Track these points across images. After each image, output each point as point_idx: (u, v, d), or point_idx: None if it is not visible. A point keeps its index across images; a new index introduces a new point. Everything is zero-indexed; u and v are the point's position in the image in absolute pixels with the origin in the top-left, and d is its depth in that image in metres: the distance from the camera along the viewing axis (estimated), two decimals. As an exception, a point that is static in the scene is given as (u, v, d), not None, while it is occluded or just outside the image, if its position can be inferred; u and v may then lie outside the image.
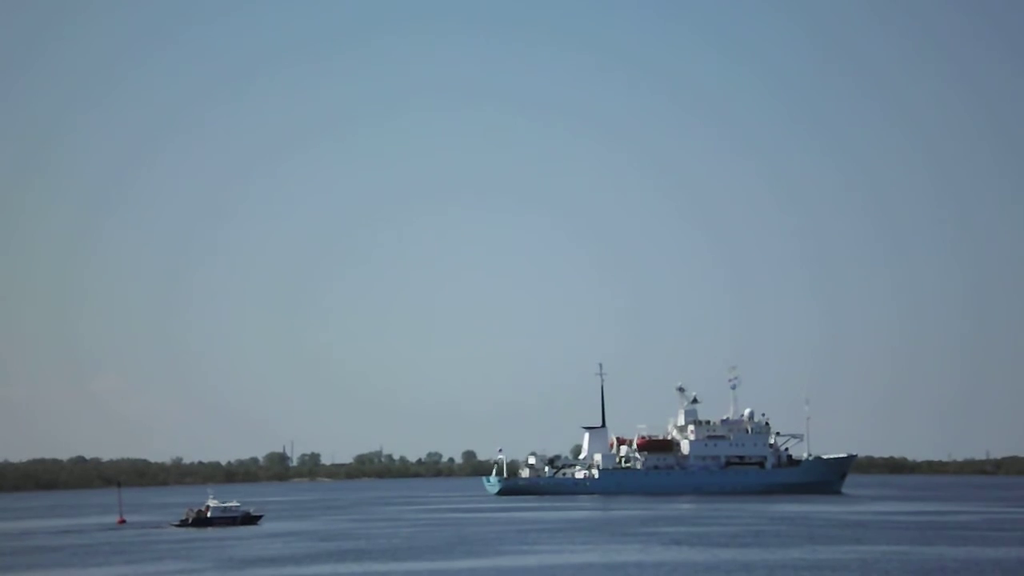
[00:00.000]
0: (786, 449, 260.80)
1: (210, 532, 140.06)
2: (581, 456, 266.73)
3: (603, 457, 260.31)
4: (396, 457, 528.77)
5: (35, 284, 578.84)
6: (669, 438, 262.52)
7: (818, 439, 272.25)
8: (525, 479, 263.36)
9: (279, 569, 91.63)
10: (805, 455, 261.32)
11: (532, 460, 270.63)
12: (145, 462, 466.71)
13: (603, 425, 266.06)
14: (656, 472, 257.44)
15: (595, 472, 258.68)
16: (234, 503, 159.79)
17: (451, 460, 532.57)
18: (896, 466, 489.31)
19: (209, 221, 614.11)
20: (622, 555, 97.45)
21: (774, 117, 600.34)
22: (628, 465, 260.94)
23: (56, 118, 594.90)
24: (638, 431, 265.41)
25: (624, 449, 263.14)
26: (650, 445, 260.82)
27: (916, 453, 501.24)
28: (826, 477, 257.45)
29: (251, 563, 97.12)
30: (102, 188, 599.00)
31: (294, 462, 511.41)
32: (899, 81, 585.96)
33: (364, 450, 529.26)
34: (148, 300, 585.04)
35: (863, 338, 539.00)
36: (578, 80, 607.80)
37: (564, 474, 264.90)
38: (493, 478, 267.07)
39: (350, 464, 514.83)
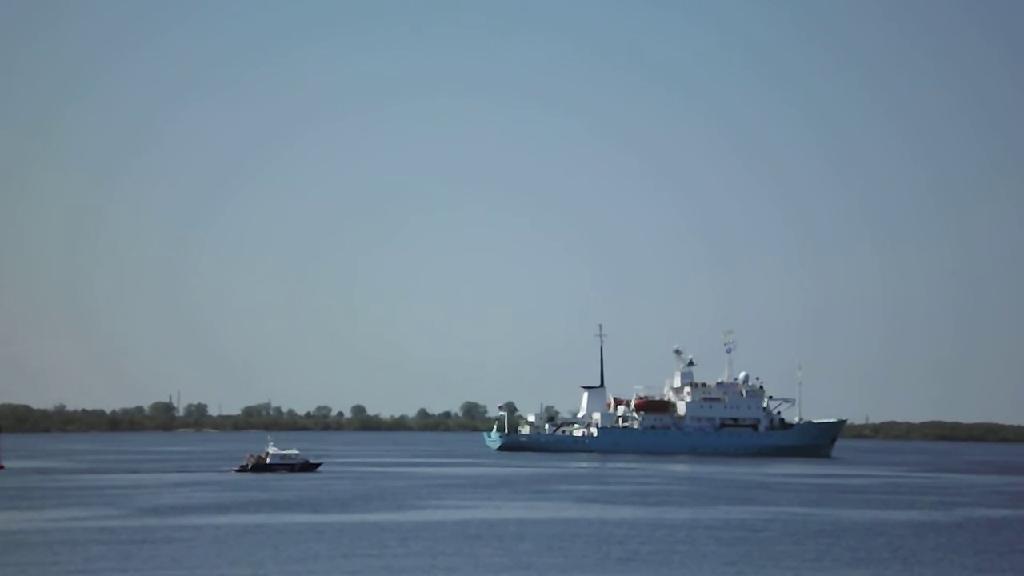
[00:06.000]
0: (778, 413, 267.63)
1: (268, 477, 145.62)
2: (579, 415, 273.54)
3: (602, 416, 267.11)
4: (284, 410, 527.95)
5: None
6: (666, 399, 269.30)
7: (807, 404, 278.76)
8: (526, 435, 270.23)
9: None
10: (797, 419, 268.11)
11: (532, 417, 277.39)
12: (27, 408, 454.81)
13: (602, 385, 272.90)
14: (653, 432, 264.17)
15: (594, 431, 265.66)
16: (293, 451, 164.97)
17: (340, 414, 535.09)
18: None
19: (114, 175, 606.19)
20: (504, 512, 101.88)
21: (765, 99, 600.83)
22: (626, 425, 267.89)
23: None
24: (635, 392, 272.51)
25: (622, 409, 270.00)
26: (647, 405, 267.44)
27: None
28: (817, 441, 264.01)
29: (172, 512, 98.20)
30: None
31: (180, 412, 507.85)
32: (883, 59, 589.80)
33: (252, 402, 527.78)
34: (39, 243, 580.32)
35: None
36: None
37: (564, 432, 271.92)
38: (495, 434, 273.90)
39: (237, 416, 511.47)
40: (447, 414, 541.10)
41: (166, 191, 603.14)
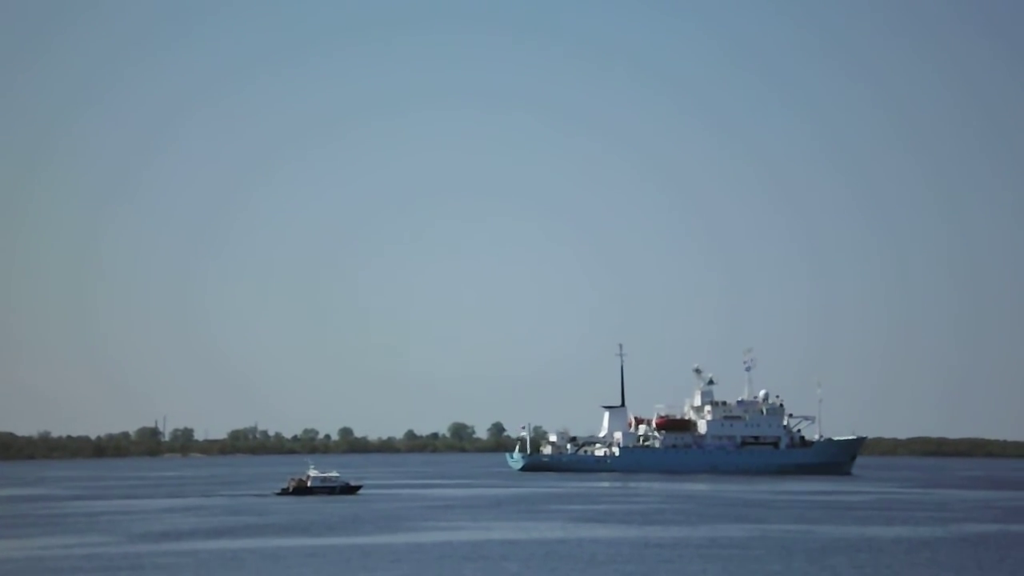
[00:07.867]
0: (798, 430, 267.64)
1: (308, 501, 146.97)
2: (601, 434, 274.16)
3: (623, 435, 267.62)
4: (271, 433, 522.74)
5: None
6: (687, 418, 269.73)
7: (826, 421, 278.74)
8: (547, 456, 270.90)
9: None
10: (817, 436, 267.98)
11: (554, 438, 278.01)
12: (11, 435, 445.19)
13: (622, 404, 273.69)
14: (674, 450, 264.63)
15: (615, 450, 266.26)
16: (334, 474, 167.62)
17: (327, 437, 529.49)
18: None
19: (110, 198, 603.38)
20: (494, 533, 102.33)
21: (771, 110, 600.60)
22: (647, 444, 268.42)
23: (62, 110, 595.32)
24: (656, 411, 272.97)
25: (643, 428, 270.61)
26: (668, 424, 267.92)
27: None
28: (837, 458, 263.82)
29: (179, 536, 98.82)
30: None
31: (166, 437, 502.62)
32: (887, 66, 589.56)
33: (238, 425, 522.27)
34: (26, 270, 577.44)
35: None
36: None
37: (585, 451, 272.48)
38: (517, 454, 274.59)
39: (224, 440, 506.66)
40: (435, 435, 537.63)
41: (158, 222, 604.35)
